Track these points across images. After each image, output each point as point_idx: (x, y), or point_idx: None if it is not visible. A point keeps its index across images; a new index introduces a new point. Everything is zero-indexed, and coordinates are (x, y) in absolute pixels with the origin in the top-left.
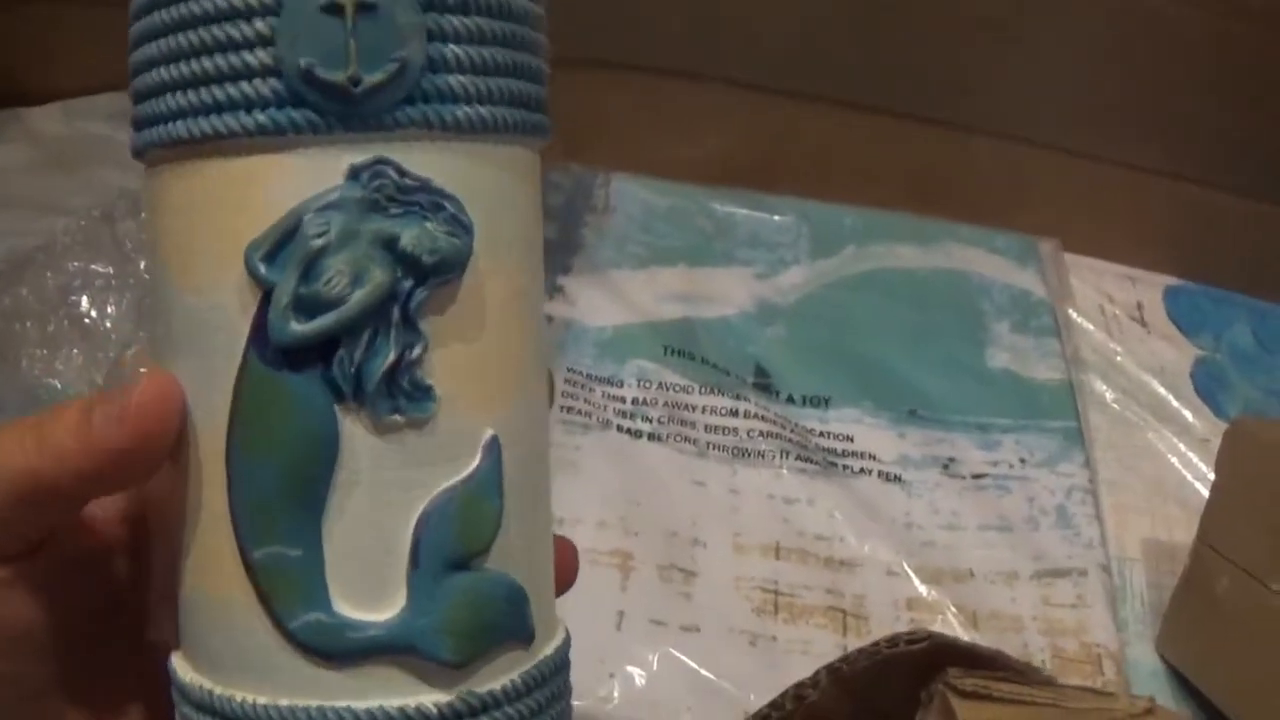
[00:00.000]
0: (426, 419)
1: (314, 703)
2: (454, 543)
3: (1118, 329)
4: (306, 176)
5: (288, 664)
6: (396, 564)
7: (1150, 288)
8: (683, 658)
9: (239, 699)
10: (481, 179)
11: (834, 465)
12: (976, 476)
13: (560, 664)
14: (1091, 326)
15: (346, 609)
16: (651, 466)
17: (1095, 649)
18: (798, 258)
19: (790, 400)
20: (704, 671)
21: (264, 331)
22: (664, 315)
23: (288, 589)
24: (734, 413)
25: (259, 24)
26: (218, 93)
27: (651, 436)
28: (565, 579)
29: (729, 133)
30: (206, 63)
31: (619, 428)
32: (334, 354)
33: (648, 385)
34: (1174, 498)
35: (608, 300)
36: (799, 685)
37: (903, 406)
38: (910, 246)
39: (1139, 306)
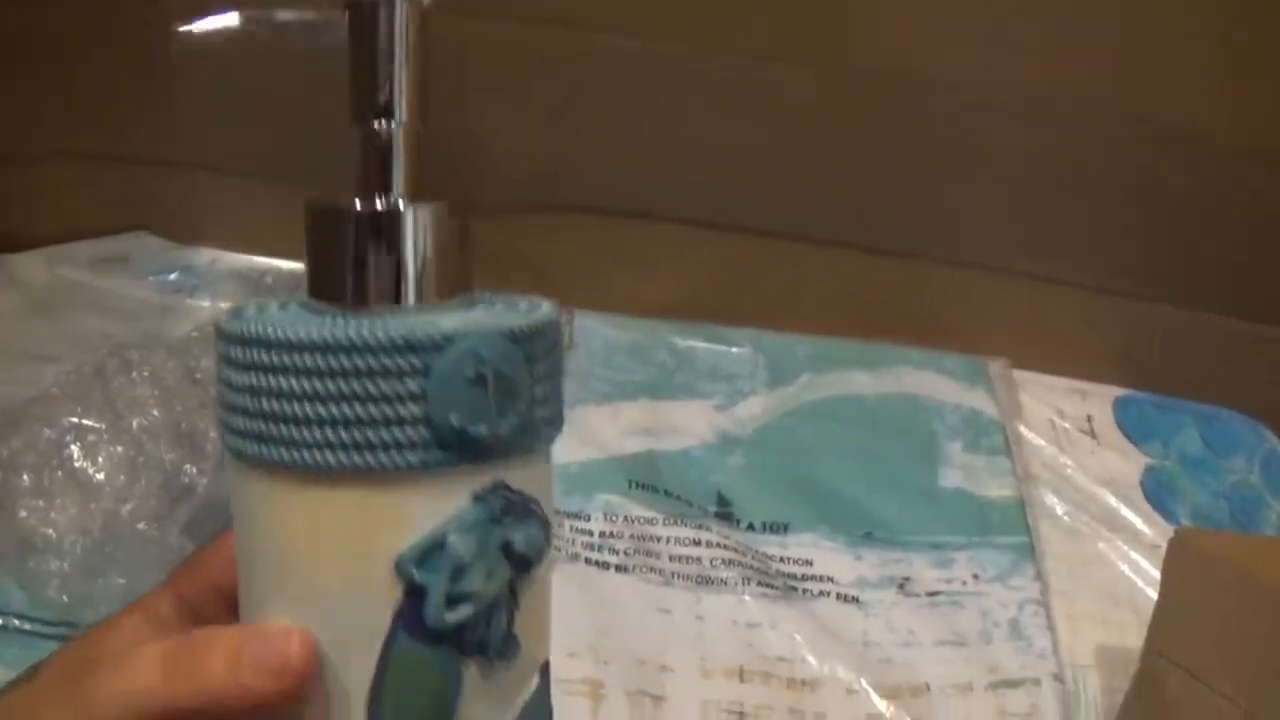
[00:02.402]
0: (517, 661)
1: None
2: None
3: (1068, 442)
4: (441, 500)
5: None
6: None
7: (1100, 400)
8: None
9: None
10: (545, 477)
11: (794, 589)
12: (931, 594)
13: None
14: (1042, 441)
15: None
16: (619, 596)
17: None
18: (755, 388)
19: (751, 528)
20: None
21: (413, 617)
22: (628, 450)
23: None
24: (697, 542)
25: (411, 384)
26: (371, 435)
27: (619, 568)
28: None
29: (685, 269)
30: (359, 408)
31: (587, 560)
32: (465, 628)
33: (614, 519)
34: (1126, 604)
35: (574, 437)
36: None
37: (859, 530)
38: (863, 373)
39: (1089, 419)
